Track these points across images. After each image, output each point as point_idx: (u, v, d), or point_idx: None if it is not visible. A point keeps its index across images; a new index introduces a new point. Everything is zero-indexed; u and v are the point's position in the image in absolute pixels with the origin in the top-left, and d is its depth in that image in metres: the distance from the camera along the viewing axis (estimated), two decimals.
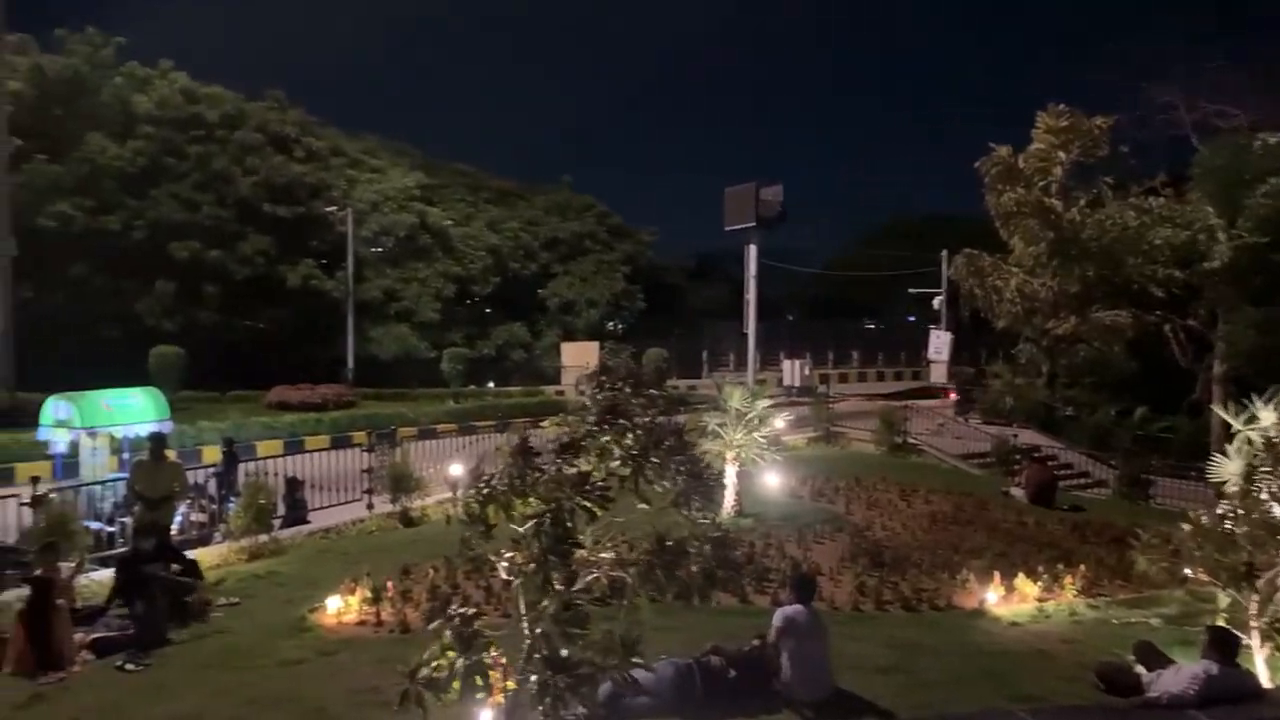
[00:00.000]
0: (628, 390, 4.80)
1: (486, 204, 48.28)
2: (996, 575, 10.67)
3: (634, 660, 4.39)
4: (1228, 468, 7.78)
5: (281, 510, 14.06)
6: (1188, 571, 8.04)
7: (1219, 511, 7.62)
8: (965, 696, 7.46)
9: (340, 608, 9.43)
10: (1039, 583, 10.73)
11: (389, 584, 9.94)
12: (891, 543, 12.85)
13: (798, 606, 7.18)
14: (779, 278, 47.83)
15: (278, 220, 36.84)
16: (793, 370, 37.86)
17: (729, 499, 13.64)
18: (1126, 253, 26.80)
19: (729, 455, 13.58)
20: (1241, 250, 24.83)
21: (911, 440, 23.11)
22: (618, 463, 4.68)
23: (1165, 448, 23.02)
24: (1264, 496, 7.29)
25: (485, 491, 4.53)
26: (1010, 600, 10.39)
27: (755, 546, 11.86)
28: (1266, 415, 7.61)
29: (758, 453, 13.61)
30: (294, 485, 14.74)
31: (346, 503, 15.44)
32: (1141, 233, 26.46)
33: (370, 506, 15.25)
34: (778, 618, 7.12)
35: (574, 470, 4.50)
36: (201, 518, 13.80)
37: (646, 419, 4.76)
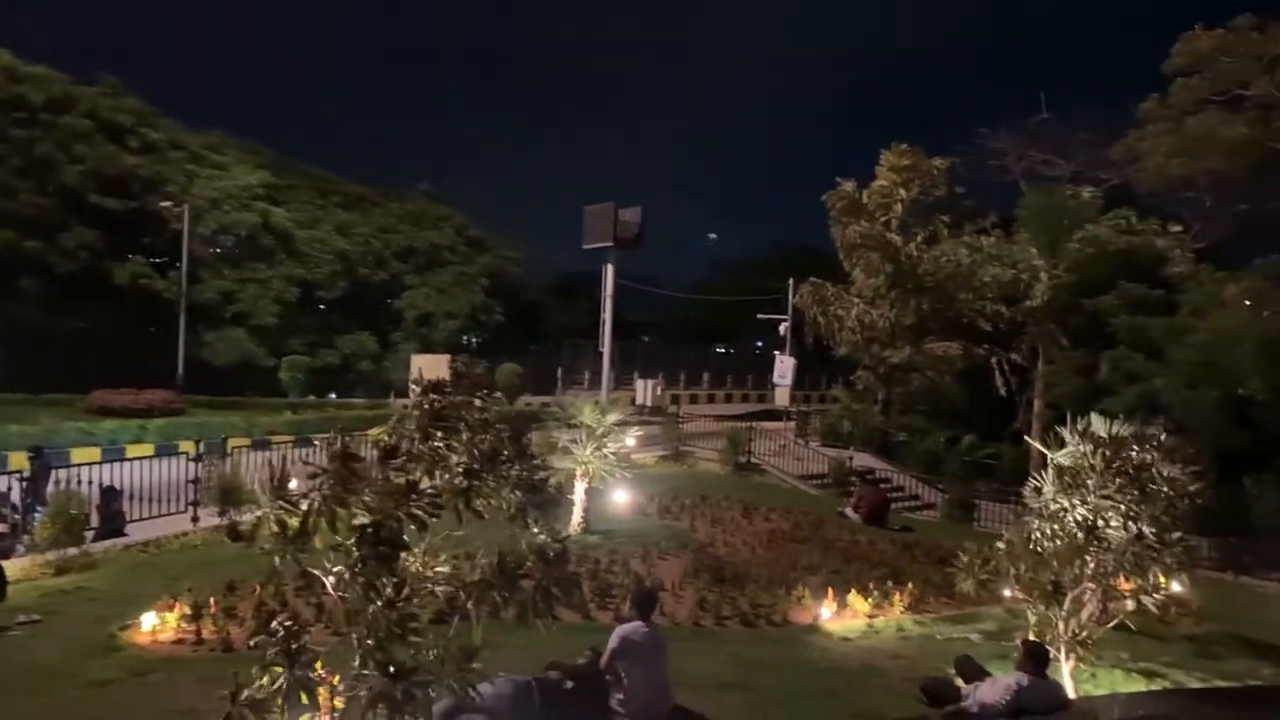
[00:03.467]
0: (457, 397, 4.59)
1: (336, 208, 46.62)
2: (830, 592, 11.05)
3: (473, 667, 4.23)
4: (1040, 492, 8.32)
5: (96, 521, 13.16)
6: (1005, 590, 8.54)
7: (1028, 533, 8.12)
8: (803, 714, 7.66)
9: (156, 625, 8.89)
10: (870, 600, 11.17)
11: (212, 600, 9.42)
12: (733, 559, 13.11)
13: (635, 624, 7.17)
14: (641, 300, 48.21)
15: (106, 213, 34.58)
16: (645, 390, 38.11)
17: (576, 516, 13.60)
18: (958, 288, 28.44)
19: (578, 471, 13.53)
20: (1059, 290, 26.75)
21: (755, 460, 23.68)
22: (453, 476, 4.48)
23: (990, 473, 24.39)
24: (1068, 519, 7.82)
25: (297, 502, 4.22)
26: (843, 616, 10.78)
27: (600, 563, 11.86)
28: (1073, 446, 8.18)
29: (607, 470, 13.62)
30: (111, 495, 13.83)
31: (170, 514, 14.55)
32: (973, 269, 28.16)
33: (195, 519, 14.45)
34: (614, 637, 7.09)
35: (402, 479, 4.28)
36: (2, 528, 12.72)
37: (477, 420, 4.57)
